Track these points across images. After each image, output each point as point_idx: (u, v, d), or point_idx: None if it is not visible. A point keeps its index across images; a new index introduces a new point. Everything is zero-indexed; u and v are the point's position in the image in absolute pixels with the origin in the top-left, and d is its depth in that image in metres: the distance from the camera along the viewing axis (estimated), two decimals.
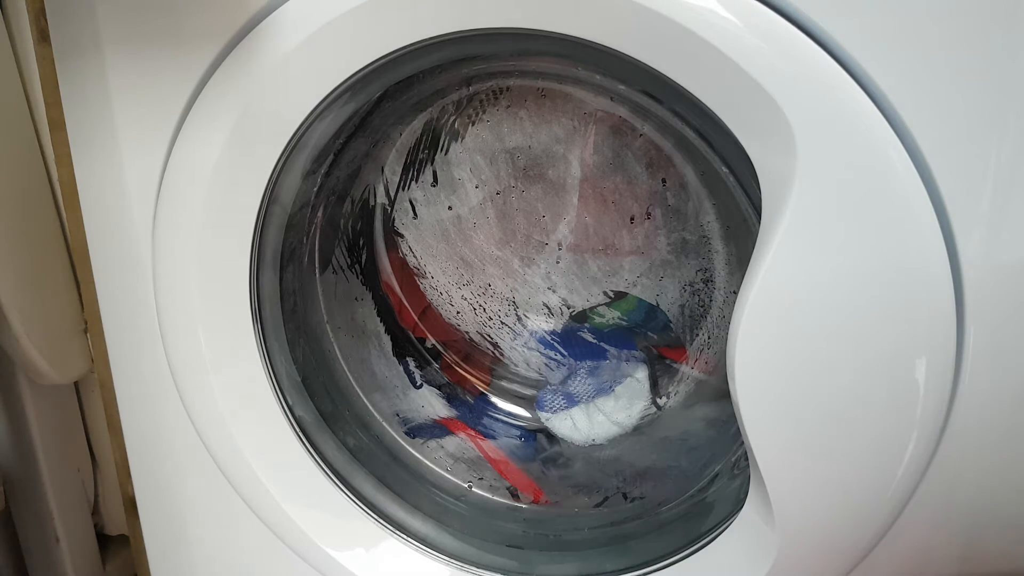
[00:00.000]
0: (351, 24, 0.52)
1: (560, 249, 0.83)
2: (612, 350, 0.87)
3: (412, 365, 0.89)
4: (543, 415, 0.86)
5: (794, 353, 0.50)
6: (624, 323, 0.85)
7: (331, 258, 0.81)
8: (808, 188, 0.47)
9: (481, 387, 0.91)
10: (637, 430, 0.83)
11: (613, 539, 0.73)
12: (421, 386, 0.89)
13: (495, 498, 0.81)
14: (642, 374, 0.85)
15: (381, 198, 0.84)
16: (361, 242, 0.85)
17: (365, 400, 0.83)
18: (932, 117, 0.46)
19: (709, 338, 0.82)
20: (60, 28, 0.57)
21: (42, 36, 0.65)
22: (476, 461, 0.84)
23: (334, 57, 0.54)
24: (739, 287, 0.51)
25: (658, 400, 0.84)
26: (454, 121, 0.78)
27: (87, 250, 0.65)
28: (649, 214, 0.79)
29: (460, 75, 0.73)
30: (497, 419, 0.89)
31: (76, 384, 0.88)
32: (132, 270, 0.64)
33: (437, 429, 0.86)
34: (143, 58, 0.56)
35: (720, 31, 0.46)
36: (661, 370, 0.85)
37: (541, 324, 0.88)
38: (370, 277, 0.87)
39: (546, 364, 0.90)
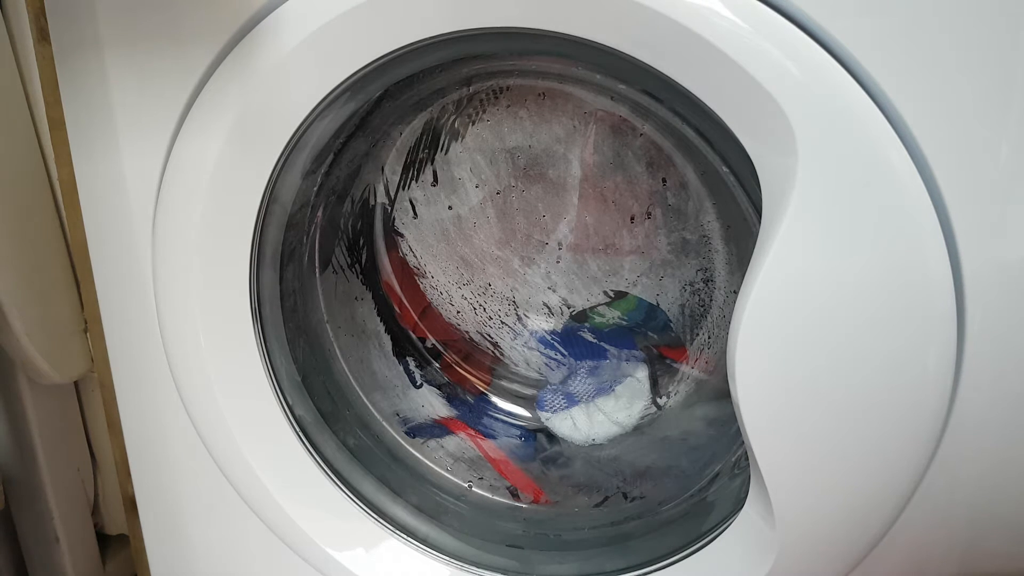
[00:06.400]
0: (351, 24, 0.52)
1: (560, 249, 0.83)
2: (612, 350, 0.87)
3: (412, 365, 0.89)
4: (543, 415, 0.86)
5: (794, 353, 0.50)
6: (624, 323, 0.85)
7: (331, 257, 0.81)
8: (809, 187, 0.47)
9: (481, 387, 0.91)
10: (637, 430, 0.83)
11: (613, 539, 0.73)
12: (421, 386, 0.89)
13: (495, 498, 0.81)
14: (642, 374, 0.85)
15: (381, 197, 0.84)
16: (361, 241, 0.85)
17: (365, 400, 0.83)
18: (933, 117, 0.46)
19: (709, 338, 0.82)
20: (60, 28, 0.57)
21: (42, 36, 0.65)
22: (476, 461, 0.84)
23: (334, 57, 0.54)
24: (739, 287, 0.51)
25: (658, 400, 0.84)
26: (454, 120, 0.78)
27: (87, 250, 0.65)
28: (649, 214, 0.79)
29: (460, 75, 0.73)
30: (497, 419, 0.89)
31: (76, 384, 0.88)
32: (132, 270, 0.64)
33: (437, 429, 0.86)
34: (143, 58, 0.56)
35: (720, 30, 0.46)
36: (661, 370, 0.85)
37: (541, 324, 0.88)
38: (370, 277, 0.87)
39: (546, 364, 0.90)
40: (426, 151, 0.80)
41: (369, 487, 0.72)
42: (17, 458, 0.83)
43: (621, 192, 0.78)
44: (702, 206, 0.77)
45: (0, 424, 0.82)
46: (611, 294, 0.84)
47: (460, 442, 0.85)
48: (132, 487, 0.73)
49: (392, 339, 0.89)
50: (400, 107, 0.75)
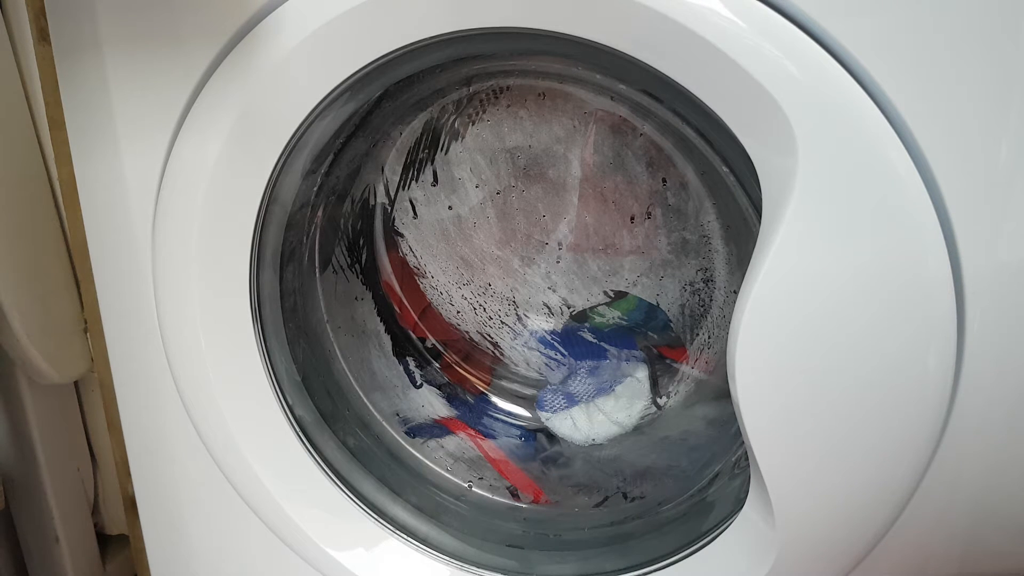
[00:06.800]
0: (351, 24, 0.52)
1: (560, 249, 0.83)
2: (612, 350, 0.87)
3: (412, 365, 0.89)
4: (543, 415, 0.86)
5: (794, 353, 0.50)
6: (624, 323, 0.85)
7: (331, 257, 0.81)
8: (809, 187, 0.47)
9: (481, 387, 0.91)
10: (637, 430, 0.83)
11: (613, 539, 0.73)
12: (421, 386, 0.89)
13: (495, 498, 0.81)
14: (642, 374, 0.85)
15: (381, 197, 0.84)
16: (361, 241, 0.85)
17: (365, 400, 0.83)
18: (933, 116, 0.46)
19: (709, 338, 0.82)
20: (60, 28, 0.57)
21: (42, 36, 0.65)
22: (476, 461, 0.84)
23: (334, 57, 0.54)
24: (739, 287, 0.51)
25: (658, 400, 0.84)
26: (454, 120, 0.78)
27: (87, 250, 0.64)
28: (649, 214, 0.79)
29: (460, 75, 0.73)
30: (497, 419, 0.89)
31: (76, 384, 0.88)
32: (132, 270, 0.64)
33: (437, 429, 0.86)
34: (143, 58, 0.56)
35: (720, 30, 0.46)
36: (661, 370, 0.85)
37: (541, 324, 0.88)
38: (370, 277, 0.87)
39: (546, 364, 0.90)
40: (426, 151, 0.80)
41: (369, 487, 0.72)
42: (17, 458, 0.83)
43: (621, 192, 0.78)
44: (702, 206, 0.77)
45: (0, 424, 0.82)
46: (611, 294, 0.84)
47: (460, 442, 0.85)
48: (132, 487, 0.73)
49: (392, 339, 0.89)
50: (400, 107, 0.75)
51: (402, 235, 0.86)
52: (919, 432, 0.51)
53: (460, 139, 0.79)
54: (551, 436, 0.86)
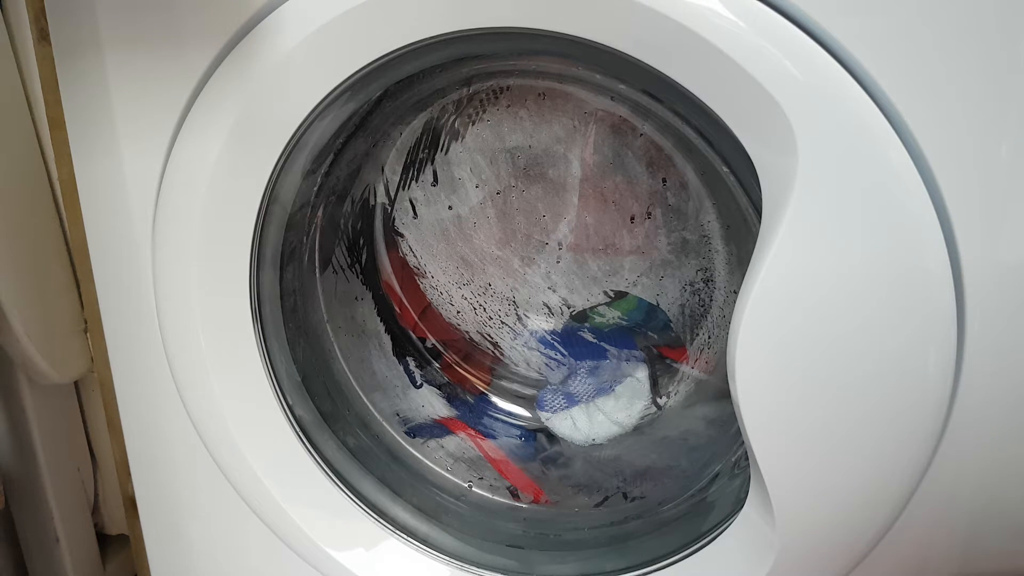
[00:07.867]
0: (351, 24, 0.52)
1: (560, 249, 0.83)
2: (612, 350, 0.87)
3: (412, 365, 0.89)
4: (543, 415, 0.86)
5: (794, 352, 0.50)
6: (624, 323, 0.85)
7: (331, 258, 0.81)
8: (808, 187, 0.47)
9: (481, 387, 0.91)
10: (637, 430, 0.83)
11: (613, 539, 0.73)
12: (421, 386, 0.89)
13: (495, 498, 0.81)
14: (642, 374, 0.85)
15: (381, 197, 0.84)
16: (361, 242, 0.85)
17: (365, 400, 0.83)
18: (933, 116, 0.46)
19: (709, 338, 0.82)
20: (60, 28, 0.57)
21: (42, 36, 0.65)
22: (476, 461, 0.84)
23: (334, 57, 0.54)
24: (739, 286, 0.51)
25: (658, 400, 0.84)
26: (454, 120, 0.78)
27: (87, 250, 0.65)
28: (649, 213, 0.79)
29: (460, 74, 0.73)
30: (497, 419, 0.89)
31: (76, 384, 0.88)
32: (132, 270, 0.64)
33: (437, 429, 0.86)
34: (143, 58, 0.56)
35: (720, 30, 0.46)
36: (661, 370, 0.85)
37: (541, 324, 0.88)
38: (370, 277, 0.87)
39: (546, 364, 0.90)
40: (426, 151, 0.80)
41: (369, 487, 0.72)
42: (17, 458, 0.83)
43: (621, 192, 0.78)
44: (702, 206, 0.77)
45: (0, 424, 0.82)
46: (611, 294, 0.84)
47: (460, 442, 0.85)
48: (132, 487, 0.73)
49: (392, 339, 0.89)
50: (400, 107, 0.75)
51: (402, 235, 0.86)
52: (919, 432, 0.51)
53: (460, 139, 0.79)
54: (551, 436, 0.86)
